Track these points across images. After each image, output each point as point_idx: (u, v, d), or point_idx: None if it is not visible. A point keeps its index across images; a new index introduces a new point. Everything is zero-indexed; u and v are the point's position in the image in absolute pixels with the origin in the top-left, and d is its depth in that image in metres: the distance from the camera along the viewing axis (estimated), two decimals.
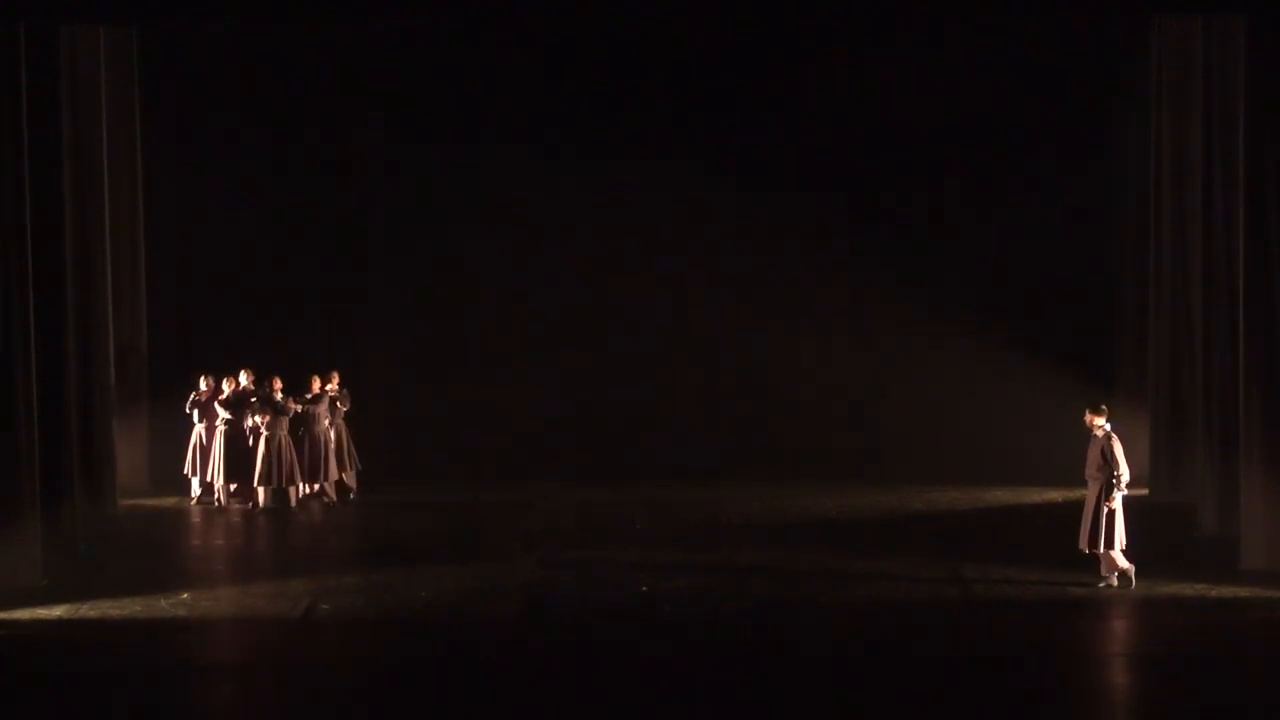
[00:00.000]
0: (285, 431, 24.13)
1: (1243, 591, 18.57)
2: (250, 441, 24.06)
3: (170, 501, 24.86)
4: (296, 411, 24.26)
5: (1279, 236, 19.25)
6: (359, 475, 25.02)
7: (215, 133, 26.19)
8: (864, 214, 26.54)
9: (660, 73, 26.21)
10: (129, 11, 21.79)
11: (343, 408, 24.70)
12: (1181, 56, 22.89)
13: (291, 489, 24.24)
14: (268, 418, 23.95)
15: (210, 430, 24.44)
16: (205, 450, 24.54)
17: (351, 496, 24.87)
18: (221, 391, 24.38)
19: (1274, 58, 18.97)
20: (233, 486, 24.37)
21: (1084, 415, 19.19)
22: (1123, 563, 18.91)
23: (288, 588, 19.30)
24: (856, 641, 17.21)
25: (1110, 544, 18.81)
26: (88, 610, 18.11)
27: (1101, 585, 18.87)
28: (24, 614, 17.89)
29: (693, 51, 25.83)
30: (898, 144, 26.32)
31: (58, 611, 18.03)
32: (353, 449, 24.91)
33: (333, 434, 24.53)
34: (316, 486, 24.56)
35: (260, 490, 24.08)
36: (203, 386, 24.63)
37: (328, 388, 24.56)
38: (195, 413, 24.60)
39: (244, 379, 24.48)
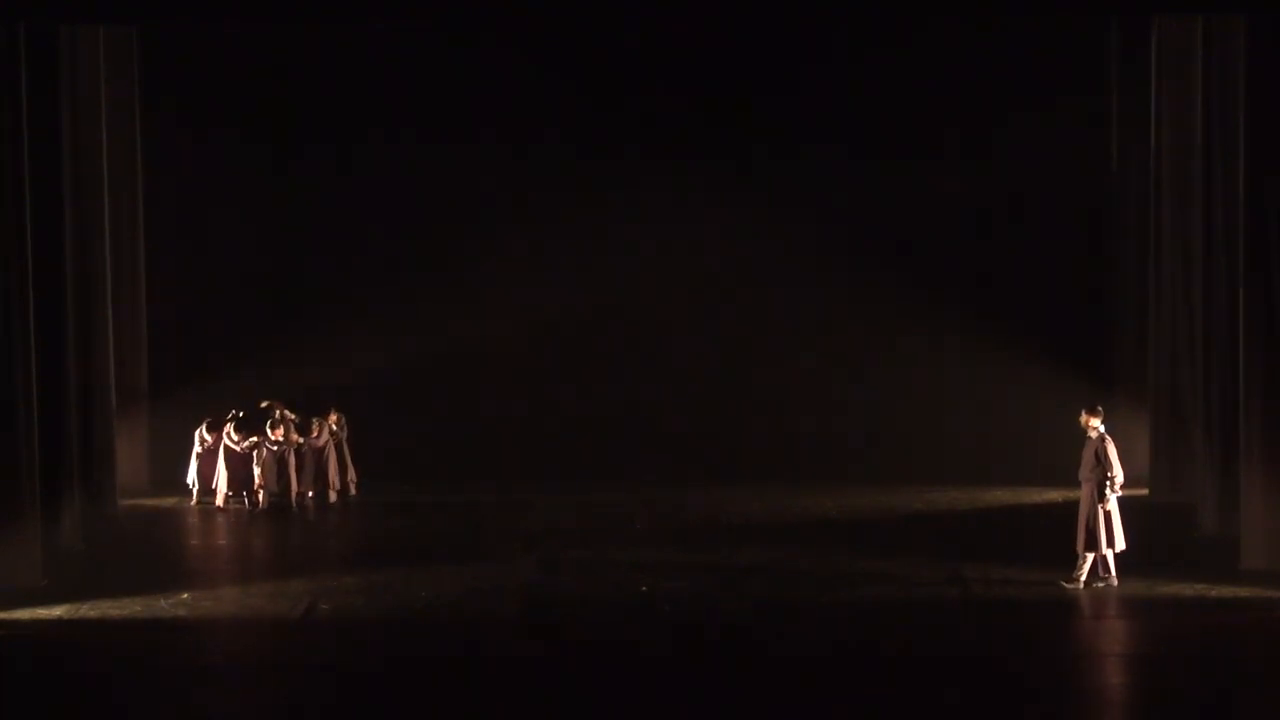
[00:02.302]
0: (290, 448, 24.25)
1: (1243, 591, 18.57)
2: (258, 472, 24.14)
3: (170, 501, 24.84)
4: (300, 444, 24.40)
5: (1279, 237, 19.25)
6: (356, 484, 25.01)
7: (215, 133, 26.15)
8: (864, 214, 26.50)
9: (661, 74, 26.14)
10: (129, 11, 21.78)
11: (341, 433, 24.81)
12: (1181, 56, 22.88)
13: (292, 492, 24.26)
14: (266, 452, 24.08)
15: (217, 444, 24.47)
16: (207, 461, 24.54)
17: (351, 495, 24.84)
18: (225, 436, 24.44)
19: (1274, 58, 18.97)
20: (229, 493, 24.36)
21: (1079, 416, 19.19)
22: (1110, 566, 18.89)
23: (288, 588, 19.31)
24: (856, 642, 17.21)
25: (1110, 544, 18.80)
26: (88, 610, 18.11)
27: (1101, 585, 18.88)
28: (24, 614, 17.89)
29: (692, 53, 25.77)
30: (898, 144, 26.29)
31: (58, 611, 18.03)
32: (350, 460, 24.91)
33: (333, 447, 24.64)
34: (313, 493, 24.61)
35: (260, 492, 24.10)
36: (208, 438, 24.61)
37: (329, 422, 24.69)
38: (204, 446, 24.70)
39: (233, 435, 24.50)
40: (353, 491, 24.94)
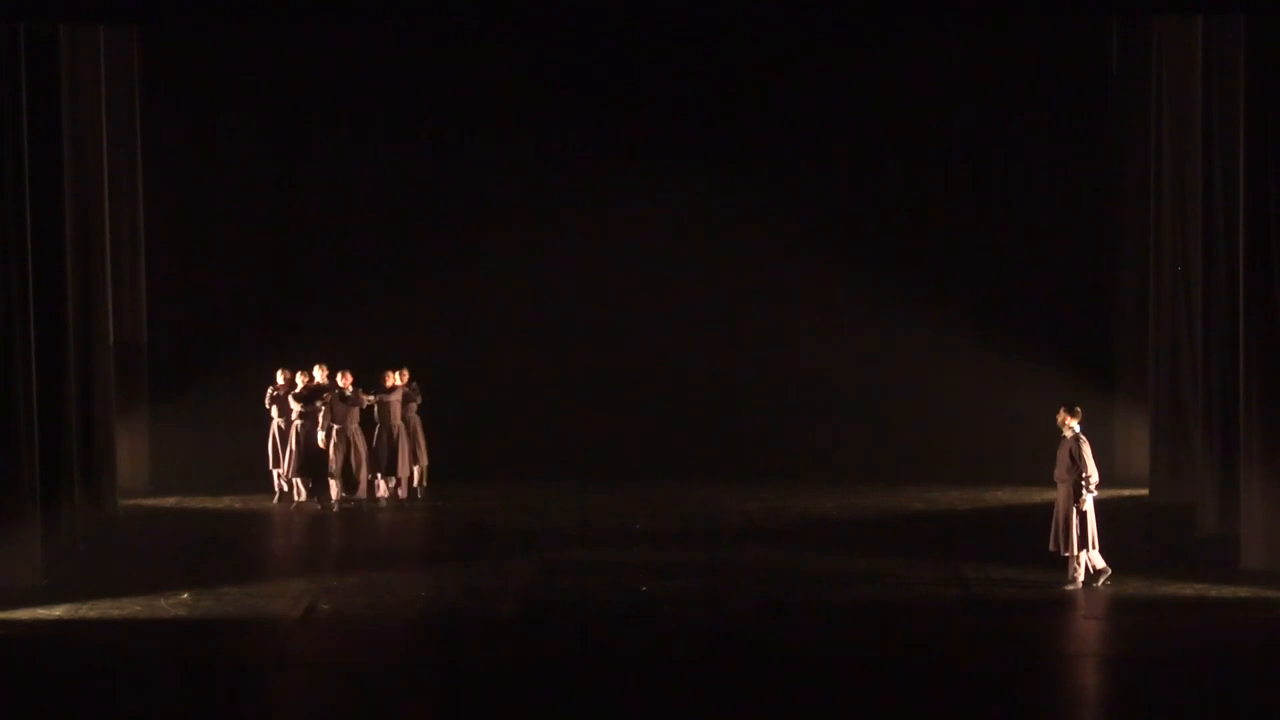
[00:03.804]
0: (357, 425, 24.05)
1: (1243, 591, 18.57)
2: (323, 439, 23.89)
3: (169, 501, 24.81)
4: (370, 403, 24.17)
5: (1279, 237, 19.26)
6: (427, 471, 24.81)
7: (216, 132, 26.20)
8: (863, 214, 26.53)
9: (661, 71, 26.17)
10: (129, 11, 21.78)
11: (415, 401, 24.60)
12: (1181, 56, 22.89)
13: (363, 484, 24.08)
14: (336, 426, 23.84)
15: (288, 424, 24.34)
16: (283, 444, 24.43)
17: (419, 496, 24.63)
18: (295, 386, 24.28)
19: (1274, 58, 18.98)
20: (295, 481, 24.26)
21: (1058, 413, 19.18)
22: (1099, 562, 18.90)
23: (287, 588, 19.31)
24: (856, 642, 17.21)
25: (1083, 546, 18.78)
26: (88, 610, 18.11)
27: (1100, 582, 18.86)
28: (24, 614, 17.88)
29: (691, 49, 25.80)
30: (898, 143, 26.33)
31: (58, 611, 18.03)
32: (422, 444, 24.67)
33: (405, 429, 24.40)
34: (393, 482, 24.47)
35: (333, 484, 23.93)
36: (280, 381, 24.46)
37: (399, 382, 24.50)
38: (275, 408, 24.48)
39: (318, 374, 24.26)
40: (423, 484, 24.61)
